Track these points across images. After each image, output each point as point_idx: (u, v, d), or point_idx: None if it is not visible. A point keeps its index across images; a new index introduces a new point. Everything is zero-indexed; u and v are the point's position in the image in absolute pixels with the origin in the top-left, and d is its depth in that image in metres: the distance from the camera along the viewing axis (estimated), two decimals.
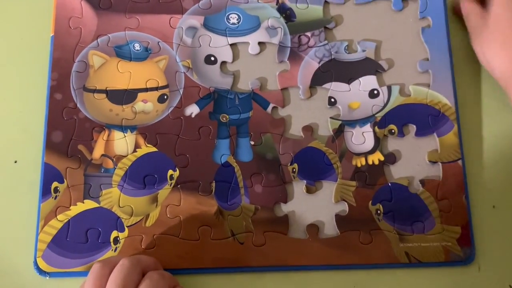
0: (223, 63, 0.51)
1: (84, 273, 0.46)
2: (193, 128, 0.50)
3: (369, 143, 0.50)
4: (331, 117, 0.51)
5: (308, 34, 0.53)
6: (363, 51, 0.52)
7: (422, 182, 0.49)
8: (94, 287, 0.40)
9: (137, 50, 0.51)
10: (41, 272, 0.46)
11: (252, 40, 0.52)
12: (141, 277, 0.41)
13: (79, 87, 0.50)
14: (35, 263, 0.46)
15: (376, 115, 0.51)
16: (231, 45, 0.52)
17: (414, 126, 0.50)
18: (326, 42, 0.52)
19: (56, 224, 0.47)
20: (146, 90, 0.50)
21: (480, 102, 0.53)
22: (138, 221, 0.48)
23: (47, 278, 0.46)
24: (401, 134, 0.50)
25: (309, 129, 0.51)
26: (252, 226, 0.48)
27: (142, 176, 0.48)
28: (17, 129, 0.51)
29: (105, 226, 0.47)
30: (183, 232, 0.47)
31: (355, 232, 0.48)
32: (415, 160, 0.50)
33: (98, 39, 0.51)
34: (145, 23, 0.52)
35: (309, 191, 0.49)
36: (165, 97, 0.51)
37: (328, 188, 0.49)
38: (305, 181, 0.49)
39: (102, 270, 0.41)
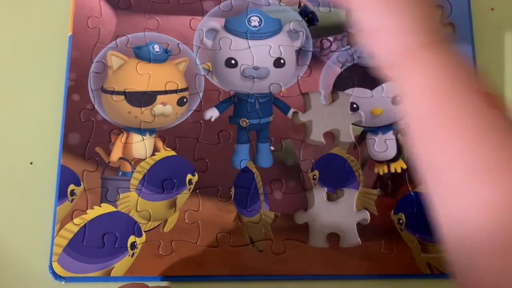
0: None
1: (100, 279, 0.45)
2: (213, 132, 0.49)
3: (392, 150, 0.49)
4: (353, 123, 0.50)
5: (331, 38, 0.52)
6: None
7: None
8: None
9: (157, 51, 0.50)
10: (56, 276, 0.45)
11: (274, 43, 0.51)
12: None
13: (97, 88, 0.49)
14: (51, 267, 0.45)
15: (399, 122, 0.50)
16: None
17: None
18: (348, 47, 0.51)
19: (72, 228, 0.46)
20: (165, 92, 0.50)
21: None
22: (156, 226, 0.47)
23: (63, 282, 0.46)
24: None
25: (330, 135, 0.50)
26: (271, 234, 0.47)
27: (161, 180, 0.47)
28: (33, 130, 0.50)
29: (122, 230, 0.46)
30: (201, 238, 0.46)
31: (377, 242, 0.47)
32: None
33: (117, 40, 0.51)
34: (165, 24, 0.51)
35: (330, 198, 0.48)
36: (185, 100, 0.50)
37: (350, 196, 0.48)
38: (326, 189, 0.48)
39: None
